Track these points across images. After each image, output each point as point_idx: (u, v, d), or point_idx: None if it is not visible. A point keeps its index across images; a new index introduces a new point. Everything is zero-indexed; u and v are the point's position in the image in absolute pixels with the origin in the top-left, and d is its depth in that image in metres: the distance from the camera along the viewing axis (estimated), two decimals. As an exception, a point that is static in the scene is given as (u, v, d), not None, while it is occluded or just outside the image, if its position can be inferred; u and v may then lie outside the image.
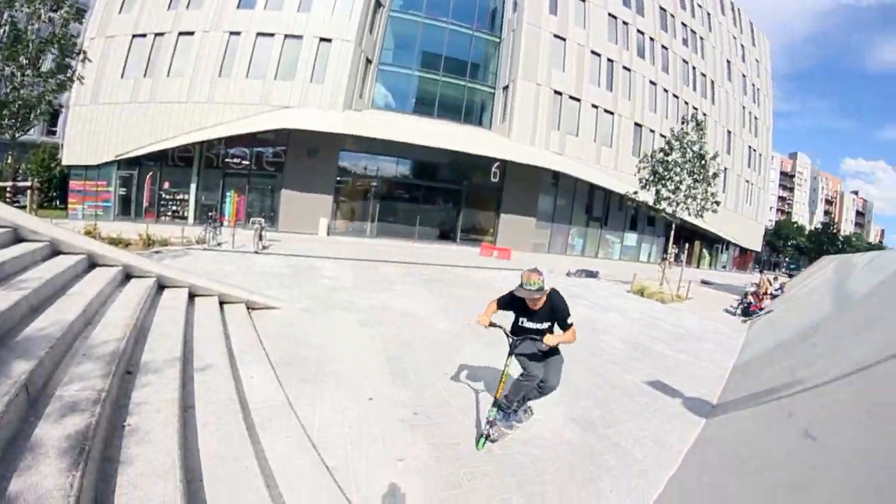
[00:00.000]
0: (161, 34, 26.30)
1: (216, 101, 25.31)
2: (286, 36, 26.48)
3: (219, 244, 15.70)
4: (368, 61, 28.80)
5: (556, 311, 4.64)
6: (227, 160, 26.52)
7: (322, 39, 26.57)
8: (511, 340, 4.71)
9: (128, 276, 7.02)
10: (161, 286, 7.27)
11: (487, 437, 4.64)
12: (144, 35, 26.37)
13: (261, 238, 16.24)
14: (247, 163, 26.64)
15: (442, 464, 4.19)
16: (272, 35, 26.37)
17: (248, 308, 8.07)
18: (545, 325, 4.68)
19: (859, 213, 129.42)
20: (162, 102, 25.40)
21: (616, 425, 5.58)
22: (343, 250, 19.06)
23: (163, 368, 4.27)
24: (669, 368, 8.40)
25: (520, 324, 4.78)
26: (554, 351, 4.93)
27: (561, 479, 4.25)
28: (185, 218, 26.00)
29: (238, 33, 26.23)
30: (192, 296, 7.43)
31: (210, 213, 18.43)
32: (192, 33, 26.19)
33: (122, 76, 26.03)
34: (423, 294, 12.10)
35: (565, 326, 4.66)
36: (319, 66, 26.41)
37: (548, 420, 5.44)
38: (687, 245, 39.59)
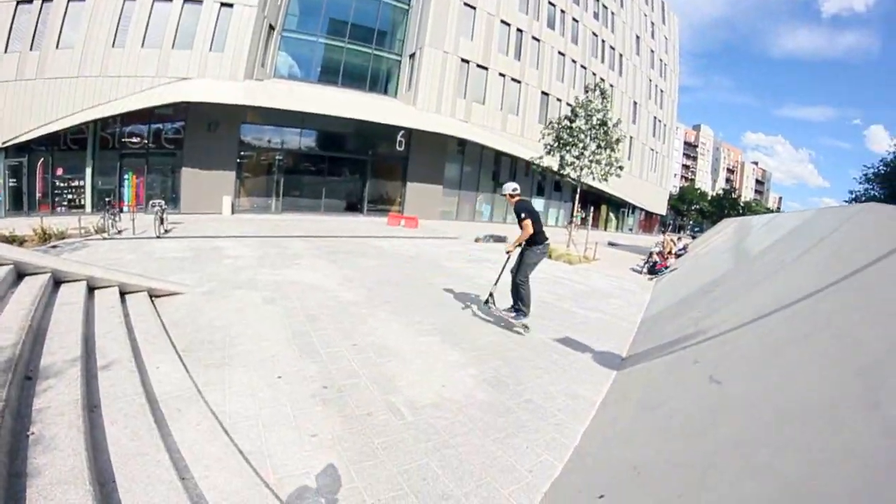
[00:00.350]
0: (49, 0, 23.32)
1: (110, 75, 23.10)
2: (185, 0, 24.49)
3: (119, 232, 14.95)
4: (272, 28, 27.62)
5: (515, 212, 7.68)
6: (123, 140, 24.44)
7: (223, 4, 24.77)
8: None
9: (20, 274, 6.69)
10: (57, 282, 6.99)
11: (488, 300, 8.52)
12: (31, 1, 23.20)
13: (162, 221, 15.59)
14: (144, 141, 24.72)
15: (355, 435, 4.28)
16: (170, 0, 24.47)
17: (150, 296, 7.88)
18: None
19: (759, 182, 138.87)
20: (51, 78, 22.67)
21: (527, 382, 5.82)
22: (248, 228, 18.68)
23: (64, 370, 4.17)
24: (578, 325, 8.87)
25: None
26: (521, 255, 7.97)
27: (476, 439, 4.40)
28: (82, 207, 23.69)
29: None
30: (91, 289, 7.18)
31: (108, 199, 17.41)
32: (83, -1, 23.42)
33: (5, 50, 22.79)
34: (329, 267, 12.18)
35: (520, 223, 7.62)
36: (220, 33, 24.75)
37: (457, 382, 5.64)
38: (593, 209, 41.10)
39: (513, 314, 7.97)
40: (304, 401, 4.83)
